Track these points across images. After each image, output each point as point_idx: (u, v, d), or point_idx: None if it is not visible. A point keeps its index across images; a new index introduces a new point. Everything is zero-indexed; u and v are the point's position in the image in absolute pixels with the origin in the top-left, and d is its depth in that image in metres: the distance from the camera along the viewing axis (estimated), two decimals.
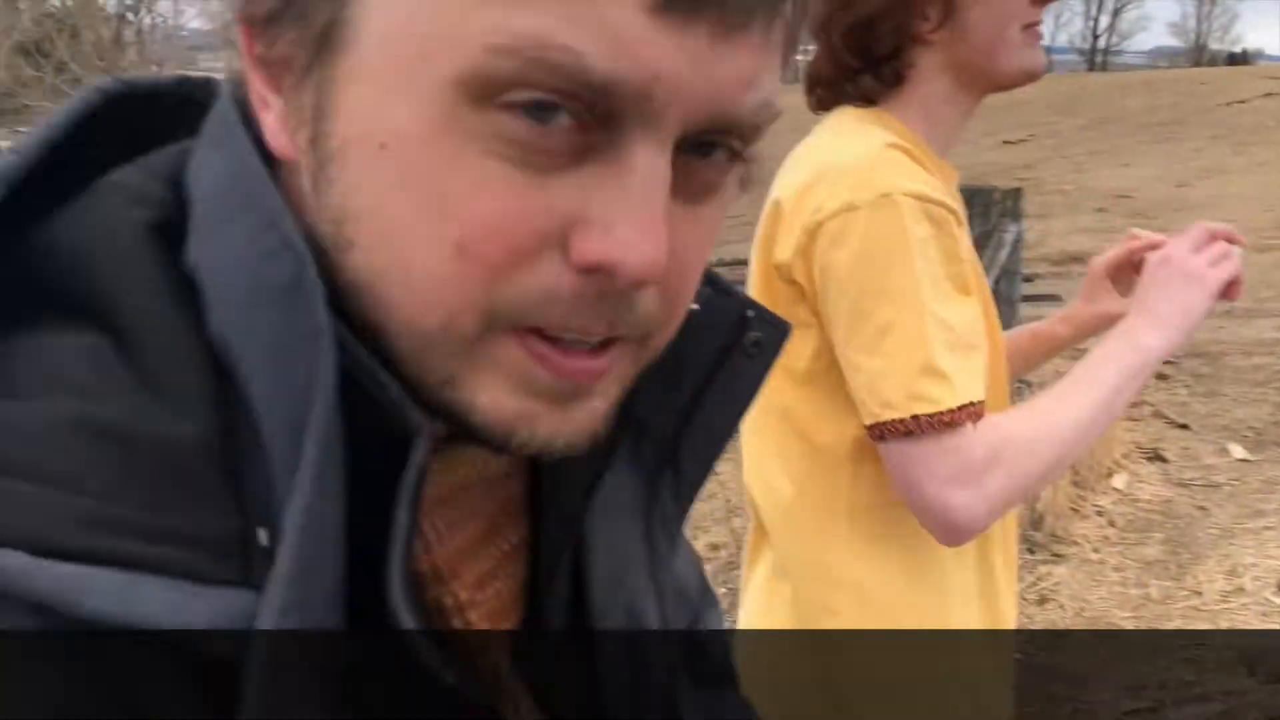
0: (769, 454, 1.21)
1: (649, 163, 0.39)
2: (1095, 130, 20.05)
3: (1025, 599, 3.43)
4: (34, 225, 0.42)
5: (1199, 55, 77.05)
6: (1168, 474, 4.43)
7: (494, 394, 0.42)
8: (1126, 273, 1.28)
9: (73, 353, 0.39)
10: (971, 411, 1.05)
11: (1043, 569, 3.61)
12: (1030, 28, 1.14)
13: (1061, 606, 3.40)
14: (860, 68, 1.14)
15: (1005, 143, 17.27)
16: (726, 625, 0.82)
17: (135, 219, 0.43)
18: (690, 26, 0.37)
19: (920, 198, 1.04)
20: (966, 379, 1.05)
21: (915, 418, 1.04)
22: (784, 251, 1.11)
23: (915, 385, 1.04)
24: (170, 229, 0.43)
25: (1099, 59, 75.86)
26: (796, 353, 1.11)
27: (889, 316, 1.04)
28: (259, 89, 0.43)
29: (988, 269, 4.77)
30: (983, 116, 1.29)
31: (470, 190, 0.38)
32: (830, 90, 1.20)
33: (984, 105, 1.21)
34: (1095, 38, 77.51)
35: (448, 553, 0.49)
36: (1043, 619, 3.31)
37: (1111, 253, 1.30)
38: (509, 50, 0.36)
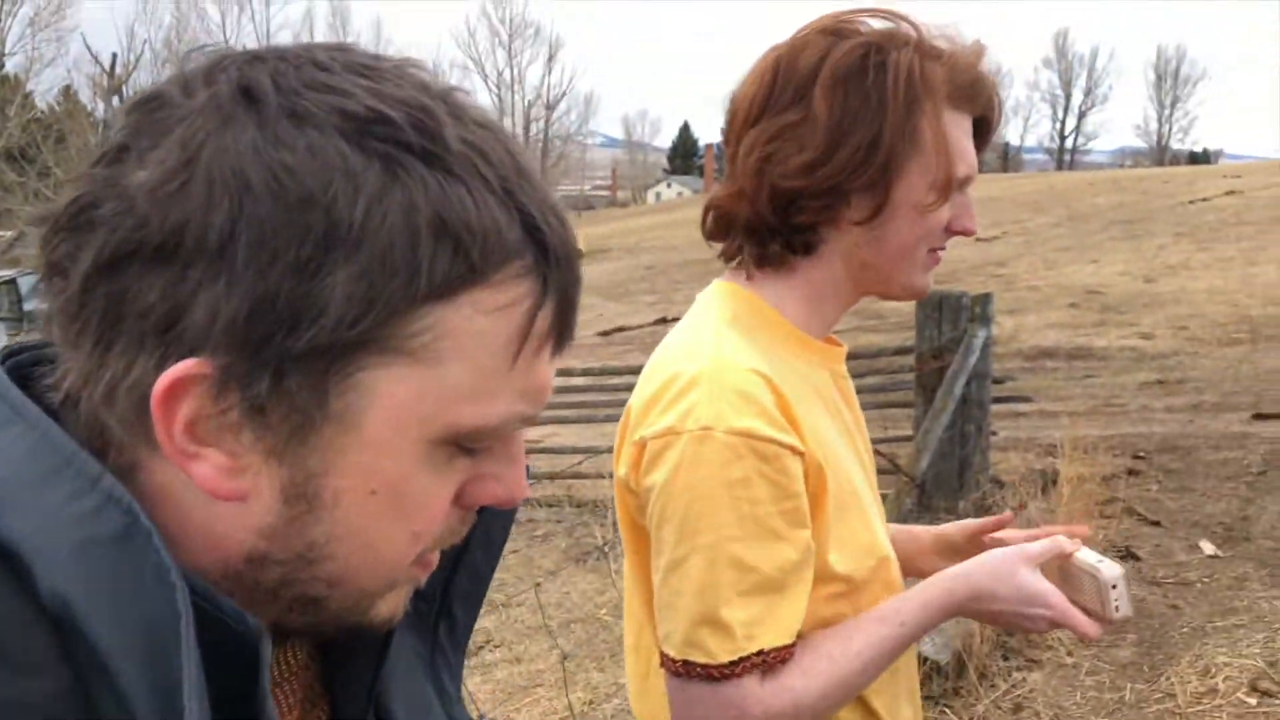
0: (654, 671, 1.17)
1: (522, 437, 0.56)
2: (1065, 227, 20.51)
3: (999, 708, 3.41)
4: None
5: (1161, 155, 79.20)
6: (1140, 572, 4.43)
7: (392, 603, 0.56)
8: (977, 544, 1.29)
9: None
10: (754, 663, 1.03)
11: (1017, 675, 3.60)
12: (934, 251, 1.17)
13: (1037, 714, 3.38)
14: (777, 228, 1.13)
15: (978, 240, 17.65)
16: None
17: None
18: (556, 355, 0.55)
19: (747, 435, 1.02)
20: (760, 627, 1.03)
21: (688, 664, 1.04)
22: (623, 465, 1.12)
23: (693, 632, 1.03)
24: None
25: (1066, 158, 77.83)
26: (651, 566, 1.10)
27: (681, 553, 1.03)
28: (184, 445, 0.48)
29: (958, 373, 4.86)
30: None
31: (427, 499, 0.53)
32: (732, 235, 1.17)
33: None
34: (1062, 139, 79.66)
35: None
36: None
37: (975, 525, 1.31)
38: (483, 429, 0.52)
